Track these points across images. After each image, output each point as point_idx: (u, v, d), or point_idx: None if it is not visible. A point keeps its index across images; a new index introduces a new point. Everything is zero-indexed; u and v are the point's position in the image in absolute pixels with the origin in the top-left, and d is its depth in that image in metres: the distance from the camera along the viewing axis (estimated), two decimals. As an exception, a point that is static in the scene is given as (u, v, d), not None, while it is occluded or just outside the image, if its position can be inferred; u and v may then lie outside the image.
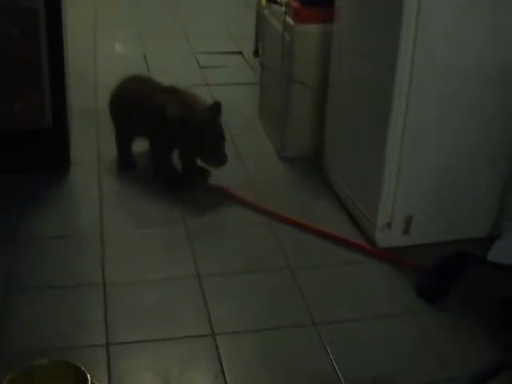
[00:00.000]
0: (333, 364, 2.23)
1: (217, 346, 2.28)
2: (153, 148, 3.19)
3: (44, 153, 3.20)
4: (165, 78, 4.27)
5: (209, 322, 2.38)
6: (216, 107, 3.06)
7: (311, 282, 2.62)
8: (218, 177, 3.17)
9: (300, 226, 2.92)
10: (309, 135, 3.44)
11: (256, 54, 4.73)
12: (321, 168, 3.30)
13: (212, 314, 2.42)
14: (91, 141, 3.57)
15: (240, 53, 4.86)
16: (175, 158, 3.20)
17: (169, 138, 3.08)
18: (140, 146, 3.30)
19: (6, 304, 2.42)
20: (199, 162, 3.14)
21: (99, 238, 2.80)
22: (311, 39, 3.24)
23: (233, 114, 3.85)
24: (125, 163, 3.33)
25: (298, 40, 3.23)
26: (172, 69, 4.52)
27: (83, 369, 1.91)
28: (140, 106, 3.12)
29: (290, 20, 3.26)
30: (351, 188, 2.98)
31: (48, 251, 2.72)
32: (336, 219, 3.00)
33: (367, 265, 2.74)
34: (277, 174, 3.38)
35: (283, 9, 3.32)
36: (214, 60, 4.72)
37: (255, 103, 3.97)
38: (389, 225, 2.77)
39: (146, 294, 2.52)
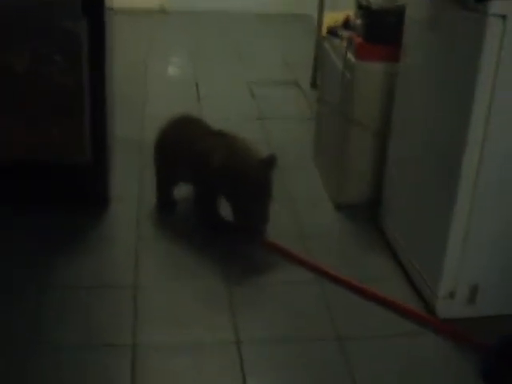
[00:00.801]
0: None
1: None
2: (196, 195, 2.95)
3: (82, 188, 3.01)
4: (215, 108, 4.15)
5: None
6: (270, 161, 2.75)
7: (361, 356, 2.33)
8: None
9: (353, 288, 2.64)
10: (367, 182, 3.16)
11: (314, 85, 4.48)
12: (377, 219, 3.01)
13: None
14: (133, 173, 3.36)
15: (296, 83, 4.61)
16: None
17: (214, 187, 2.82)
18: (183, 189, 3.08)
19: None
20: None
21: (132, 290, 2.57)
22: (373, 78, 2.96)
23: (286, 153, 3.61)
24: (164, 205, 3.09)
25: (358, 78, 2.96)
26: (224, 98, 4.32)
27: None
28: (186, 150, 2.88)
29: (351, 56, 2.99)
30: (410, 246, 2.69)
31: (77, 303, 2.50)
32: (391, 279, 2.72)
33: (425, 337, 2.44)
34: (330, 224, 3.10)
35: (345, 44, 3.06)
36: (269, 90, 4.49)
37: (311, 141, 3.72)
38: (452, 294, 2.47)
39: (178, 359, 2.28)
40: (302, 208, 3.19)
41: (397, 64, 2.82)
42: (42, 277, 2.61)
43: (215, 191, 2.83)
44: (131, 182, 3.29)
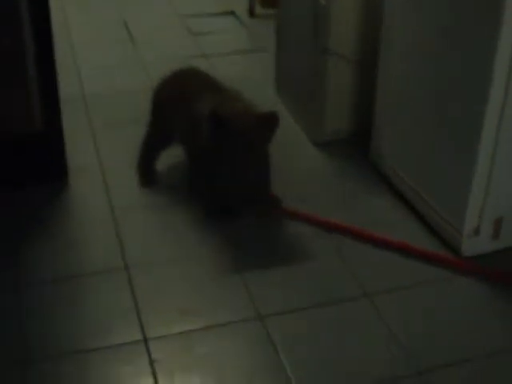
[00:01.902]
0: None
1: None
2: (192, 164, 2.55)
3: (36, 163, 2.61)
4: (153, 48, 3.76)
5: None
6: (270, 119, 2.30)
7: (393, 310, 2.13)
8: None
9: (369, 239, 2.41)
10: (348, 115, 2.91)
11: (252, 13, 4.14)
12: (370, 155, 2.77)
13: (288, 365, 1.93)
14: (86, 137, 2.98)
15: (233, 13, 4.24)
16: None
17: (207, 150, 2.36)
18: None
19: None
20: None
21: (125, 275, 2.25)
22: (351, 2, 2.68)
23: (244, 90, 3.29)
24: (146, 174, 2.71)
25: (334, 4, 2.66)
26: (160, 38, 3.92)
27: None
28: (181, 108, 2.49)
29: (322, -21, 2.68)
30: (420, 183, 2.47)
31: (58, 299, 2.17)
32: (401, 222, 2.50)
33: (456, 280, 2.26)
34: (316, 166, 2.83)
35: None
36: (205, 24, 4.10)
37: (267, 76, 3.41)
38: (476, 230, 2.29)
39: (194, 348, 2.01)
40: (279, 151, 2.86)
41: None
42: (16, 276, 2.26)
43: (209, 156, 2.38)
44: (87, 147, 2.91)
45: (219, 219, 2.48)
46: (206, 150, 2.32)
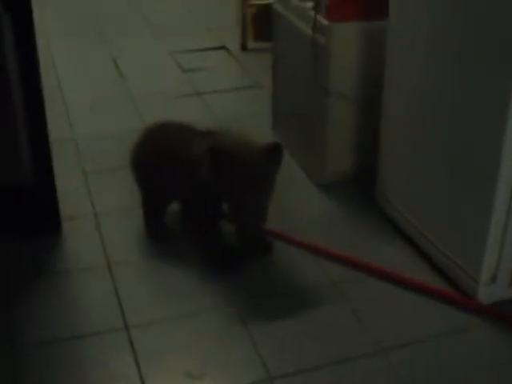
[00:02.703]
0: None
1: None
2: (194, 212, 2.38)
3: (26, 215, 2.49)
4: (143, 86, 3.66)
5: None
6: (274, 149, 2.17)
7: (413, 368, 2.02)
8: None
9: (388, 278, 2.31)
10: (350, 156, 2.81)
11: (244, 47, 4.06)
12: (375, 198, 2.67)
13: None
14: (76, 183, 2.86)
15: (224, 47, 4.16)
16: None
17: (209, 196, 2.25)
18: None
19: None
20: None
21: (126, 335, 2.12)
22: (352, 41, 2.59)
23: (240, 127, 3.21)
24: (155, 231, 2.55)
25: (334, 43, 2.57)
26: (150, 75, 3.83)
27: None
28: (169, 161, 2.34)
29: (321, 18, 2.59)
30: (432, 229, 2.36)
31: (57, 363, 2.03)
32: (413, 268, 2.38)
33: (480, 329, 2.15)
34: (320, 209, 2.72)
35: (309, 4, 2.65)
36: (196, 60, 4.01)
37: (263, 113, 3.32)
38: (493, 278, 2.19)
39: None
40: (280, 193, 2.79)
41: (379, 22, 2.46)
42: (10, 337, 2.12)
43: (211, 201, 2.29)
44: (78, 194, 2.79)
45: (224, 267, 2.36)
46: (207, 189, 2.20)
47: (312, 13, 2.62)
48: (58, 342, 2.10)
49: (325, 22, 2.57)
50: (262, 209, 2.32)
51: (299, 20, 2.76)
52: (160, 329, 2.15)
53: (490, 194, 2.05)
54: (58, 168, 2.56)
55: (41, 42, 2.36)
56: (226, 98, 3.59)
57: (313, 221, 2.66)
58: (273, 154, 2.16)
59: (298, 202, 2.78)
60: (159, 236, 2.53)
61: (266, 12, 3.54)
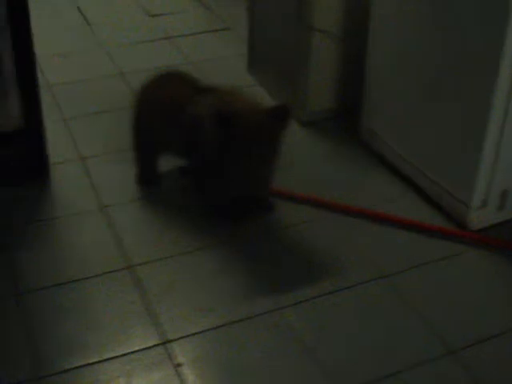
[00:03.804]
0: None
1: None
2: (195, 174, 2.35)
3: (16, 159, 2.45)
4: (112, 32, 3.60)
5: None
6: (281, 112, 2.11)
7: (411, 288, 2.09)
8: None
9: (380, 219, 2.35)
10: (333, 93, 2.84)
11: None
12: (361, 132, 2.71)
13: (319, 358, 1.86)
14: (59, 128, 2.82)
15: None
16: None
17: (212, 156, 2.17)
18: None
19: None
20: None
21: (130, 274, 2.13)
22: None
23: (214, 70, 3.21)
24: (146, 179, 2.51)
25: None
26: (117, 21, 3.76)
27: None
28: (174, 115, 2.25)
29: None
30: (421, 158, 2.42)
31: (64, 306, 2.03)
32: (401, 199, 2.46)
33: (468, 254, 2.23)
34: (305, 146, 2.75)
35: None
36: (162, 4, 3.95)
37: (236, 55, 3.32)
38: (484, 203, 2.27)
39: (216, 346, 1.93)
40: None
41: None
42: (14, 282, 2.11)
43: (215, 161, 2.19)
44: (62, 140, 2.75)
45: (229, 217, 2.35)
46: (213, 152, 2.15)
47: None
48: (62, 286, 2.10)
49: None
50: (270, 173, 2.26)
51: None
52: (165, 265, 2.17)
53: (481, 118, 2.11)
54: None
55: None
56: (196, 41, 3.56)
57: (298, 158, 2.68)
58: (281, 116, 2.11)
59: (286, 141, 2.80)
60: (150, 184, 2.51)
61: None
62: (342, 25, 2.69)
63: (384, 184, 2.53)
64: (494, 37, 1.99)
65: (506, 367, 1.86)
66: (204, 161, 2.22)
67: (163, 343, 1.90)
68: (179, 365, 1.84)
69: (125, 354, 1.87)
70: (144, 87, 2.42)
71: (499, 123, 2.11)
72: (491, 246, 2.24)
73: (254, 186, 2.28)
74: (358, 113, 2.70)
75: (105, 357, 1.86)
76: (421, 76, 2.34)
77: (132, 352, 1.88)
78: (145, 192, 2.48)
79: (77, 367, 1.84)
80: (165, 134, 2.33)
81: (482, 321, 2.00)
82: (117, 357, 1.87)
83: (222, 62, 3.35)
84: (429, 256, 2.22)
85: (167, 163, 2.52)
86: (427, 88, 2.32)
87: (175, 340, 1.91)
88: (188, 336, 1.93)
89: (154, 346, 1.90)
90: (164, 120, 2.30)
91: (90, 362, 1.85)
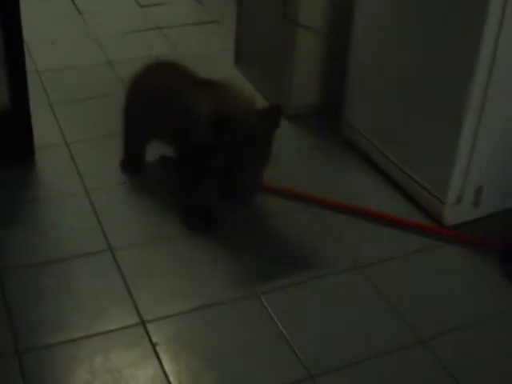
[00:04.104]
0: None
1: None
2: (178, 162, 2.35)
3: (2, 142, 2.49)
4: (103, 22, 3.64)
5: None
6: (273, 113, 2.13)
7: (386, 278, 2.15)
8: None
9: (354, 212, 2.40)
10: (315, 88, 2.89)
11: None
12: (341, 127, 2.77)
13: (296, 347, 1.91)
14: (44, 114, 2.85)
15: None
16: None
17: (200, 151, 2.19)
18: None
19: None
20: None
21: (111, 257, 2.18)
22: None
23: (202, 62, 3.24)
24: (130, 167, 2.54)
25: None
26: (108, 10, 3.79)
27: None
28: (166, 104, 2.27)
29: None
30: (399, 154, 2.48)
31: (44, 285, 2.07)
32: (378, 193, 2.52)
33: (442, 249, 2.29)
34: (286, 140, 2.78)
35: None
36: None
37: (224, 48, 3.37)
38: (459, 199, 2.33)
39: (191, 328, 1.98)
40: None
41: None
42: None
43: (201, 156, 2.20)
44: (48, 124, 2.79)
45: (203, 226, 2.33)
46: (202, 148, 2.17)
47: None
48: (43, 265, 2.14)
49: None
50: (258, 176, 2.25)
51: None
52: (145, 249, 2.22)
53: (457, 116, 2.17)
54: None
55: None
56: (186, 32, 3.60)
57: (279, 152, 2.71)
58: (274, 116, 2.13)
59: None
60: (134, 173, 2.54)
61: None
62: (327, 21, 2.74)
63: (363, 179, 2.59)
64: (471, 37, 2.06)
65: (475, 355, 1.92)
66: (190, 151, 2.24)
67: (141, 323, 1.95)
68: (156, 344, 1.88)
69: (103, 333, 1.92)
70: (137, 74, 2.44)
71: (474, 122, 2.17)
72: (465, 242, 2.30)
73: (245, 184, 2.26)
74: (340, 108, 2.75)
75: (84, 334, 1.91)
76: (401, 74, 2.40)
77: (110, 331, 1.93)
78: (128, 178, 2.52)
79: (56, 343, 1.88)
80: (155, 121, 2.35)
81: (452, 312, 2.05)
82: (96, 334, 1.91)
83: (210, 55, 3.39)
84: (404, 249, 2.27)
85: (150, 152, 2.56)
86: (407, 86, 2.38)
87: (152, 321, 1.96)
88: (164, 317, 1.98)
89: (132, 325, 1.94)
90: (155, 107, 2.31)
91: (70, 338, 1.89)
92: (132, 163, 2.55)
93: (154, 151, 2.54)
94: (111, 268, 2.13)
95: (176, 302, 2.03)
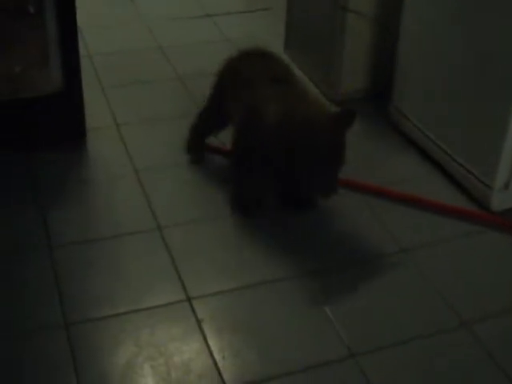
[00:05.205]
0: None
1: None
2: (236, 157, 2.33)
3: (56, 121, 2.56)
4: (155, 8, 3.70)
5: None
6: (346, 117, 2.06)
7: (431, 263, 2.15)
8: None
9: (403, 199, 2.40)
10: (364, 74, 2.90)
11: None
12: (390, 114, 2.76)
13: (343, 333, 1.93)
14: (96, 97, 2.91)
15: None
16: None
17: (263, 146, 2.15)
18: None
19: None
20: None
21: (160, 236, 2.22)
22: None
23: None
24: (195, 150, 2.57)
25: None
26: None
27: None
28: (240, 94, 2.24)
29: None
30: (447, 140, 2.47)
31: (94, 261, 2.13)
32: (428, 179, 2.51)
33: (487, 235, 2.28)
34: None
35: None
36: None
37: (274, 34, 3.38)
38: (506, 185, 2.31)
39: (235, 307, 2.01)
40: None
41: None
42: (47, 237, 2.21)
43: (262, 156, 2.17)
44: (100, 107, 2.85)
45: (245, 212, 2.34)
46: (263, 148, 2.15)
47: None
48: (93, 242, 2.19)
49: None
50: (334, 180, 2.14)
51: None
52: (193, 228, 2.26)
53: (507, 102, 2.15)
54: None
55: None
56: (236, 20, 3.63)
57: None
58: (347, 121, 2.06)
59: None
60: (194, 154, 2.56)
61: None
62: (377, 6, 2.74)
63: (410, 164, 2.59)
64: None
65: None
66: (250, 149, 2.22)
67: (186, 299, 1.99)
68: (201, 320, 1.92)
69: (150, 308, 1.97)
70: (232, 58, 2.40)
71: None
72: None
73: (311, 188, 2.25)
74: (388, 94, 2.75)
75: (131, 309, 1.95)
76: (450, 61, 2.39)
77: (157, 306, 1.97)
78: (179, 158, 2.56)
79: (104, 317, 1.93)
80: (231, 111, 2.30)
81: (495, 297, 2.05)
82: (143, 309, 1.96)
83: (260, 42, 3.39)
84: (449, 235, 2.27)
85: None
86: (456, 72, 2.37)
87: (197, 298, 2.00)
88: (209, 295, 2.01)
89: (178, 301, 1.99)
90: (234, 96, 2.28)
91: (117, 312, 1.94)
92: (196, 145, 2.56)
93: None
94: (159, 246, 2.17)
95: (221, 280, 2.06)
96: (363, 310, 1.99)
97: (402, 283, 2.09)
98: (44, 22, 2.39)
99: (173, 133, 2.67)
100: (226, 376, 1.78)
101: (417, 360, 1.85)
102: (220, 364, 1.81)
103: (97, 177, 2.49)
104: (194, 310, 1.96)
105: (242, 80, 2.28)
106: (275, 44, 3.30)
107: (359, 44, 2.81)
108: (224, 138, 2.53)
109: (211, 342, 1.87)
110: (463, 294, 2.05)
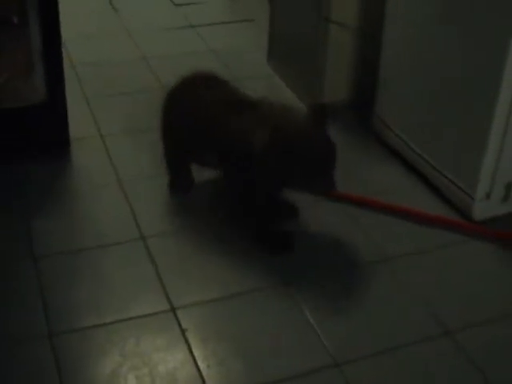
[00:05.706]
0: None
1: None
2: (240, 192, 2.24)
3: (39, 132, 2.55)
4: (138, 20, 3.71)
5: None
6: (321, 114, 2.12)
7: (411, 273, 2.16)
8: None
9: (386, 209, 2.41)
10: (347, 85, 2.92)
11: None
12: (372, 124, 2.79)
13: (325, 340, 1.94)
14: (80, 107, 2.91)
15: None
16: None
17: (262, 175, 2.11)
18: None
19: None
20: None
21: (143, 246, 2.22)
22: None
23: (234, 60, 3.30)
24: (176, 183, 2.46)
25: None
26: (142, 8, 3.86)
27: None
28: (209, 128, 2.18)
29: None
30: (429, 150, 2.49)
31: (78, 271, 2.13)
32: (411, 189, 2.53)
33: (470, 244, 2.30)
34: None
35: None
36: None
37: (257, 46, 3.41)
38: (488, 195, 2.34)
39: (220, 316, 2.01)
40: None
41: None
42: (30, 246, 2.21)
43: (264, 180, 2.13)
44: (83, 117, 2.85)
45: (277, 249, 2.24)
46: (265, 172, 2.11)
47: None
48: (78, 252, 2.19)
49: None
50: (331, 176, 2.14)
51: None
52: (176, 238, 2.26)
53: (486, 112, 2.18)
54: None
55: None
56: (219, 31, 3.66)
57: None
58: (321, 116, 2.11)
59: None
60: (181, 190, 2.46)
61: None
62: (359, 18, 2.76)
63: (393, 175, 2.61)
64: (501, 37, 2.07)
65: (502, 349, 1.93)
66: (239, 174, 2.18)
67: (171, 309, 1.99)
68: (185, 330, 1.93)
69: (135, 318, 1.96)
70: (173, 91, 2.33)
71: (504, 118, 2.18)
72: (494, 237, 2.31)
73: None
74: (372, 105, 2.77)
75: (116, 319, 1.95)
76: (432, 71, 2.41)
77: (141, 316, 1.97)
78: (160, 170, 2.56)
79: (89, 327, 1.93)
80: (198, 144, 2.25)
81: (479, 306, 2.06)
82: (127, 319, 1.96)
83: (243, 53, 3.43)
84: (432, 244, 2.29)
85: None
86: (438, 83, 2.40)
87: (181, 307, 2.00)
88: (193, 305, 2.02)
89: (162, 311, 1.99)
90: (196, 131, 2.23)
91: (102, 323, 1.94)
92: (179, 183, 2.47)
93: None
94: (143, 256, 2.18)
95: (205, 290, 2.07)
96: (347, 319, 2.00)
97: (385, 292, 2.10)
98: (28, 32, 2.40)
99: (156, 143, 2.65)
100: (210, 385, 1.79)
101: (401, 369, 1.86)
102: (205, 373, 1.81)
103: (81, 187, 2.49)
104: (178, 320, 1.96)
105: (202, 112, 2.20)
106: (258, 55, 3.34)
107: (342, 55, 2.84)
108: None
109: (196, 352, 1.87)
110: (447, 302, 2.06)
